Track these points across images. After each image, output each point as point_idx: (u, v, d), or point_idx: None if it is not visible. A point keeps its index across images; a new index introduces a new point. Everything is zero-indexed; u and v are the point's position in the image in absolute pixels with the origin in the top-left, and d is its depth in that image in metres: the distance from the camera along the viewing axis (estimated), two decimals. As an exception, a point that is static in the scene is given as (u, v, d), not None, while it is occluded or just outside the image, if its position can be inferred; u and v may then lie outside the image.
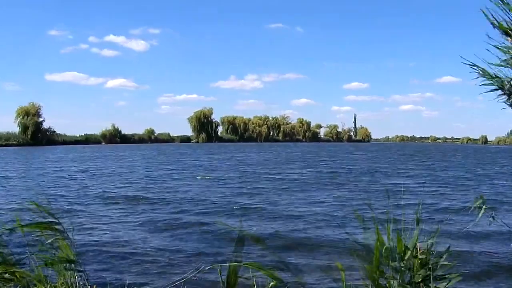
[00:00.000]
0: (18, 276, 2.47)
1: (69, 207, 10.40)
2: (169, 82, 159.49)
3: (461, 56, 2.05)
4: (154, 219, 9.05)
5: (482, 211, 2.01)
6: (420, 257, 1.98)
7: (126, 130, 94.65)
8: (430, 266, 1.98)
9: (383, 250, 1.97)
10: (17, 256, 2.62)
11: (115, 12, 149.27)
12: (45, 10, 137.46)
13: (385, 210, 2.46)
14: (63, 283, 2.59)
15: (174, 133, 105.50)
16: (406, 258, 2.00)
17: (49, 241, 2.56)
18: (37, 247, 2.64)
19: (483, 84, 2.02)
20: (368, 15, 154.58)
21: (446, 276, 2.00)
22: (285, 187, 14.71)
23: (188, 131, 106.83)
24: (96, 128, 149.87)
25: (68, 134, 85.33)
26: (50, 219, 2.61)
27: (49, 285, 2.49)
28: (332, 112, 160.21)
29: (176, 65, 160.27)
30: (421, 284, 1.97)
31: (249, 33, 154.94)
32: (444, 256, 2.02)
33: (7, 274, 2.46)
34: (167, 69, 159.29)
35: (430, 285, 1.96)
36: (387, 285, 2.00)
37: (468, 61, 2.03)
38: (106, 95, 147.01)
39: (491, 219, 2.06)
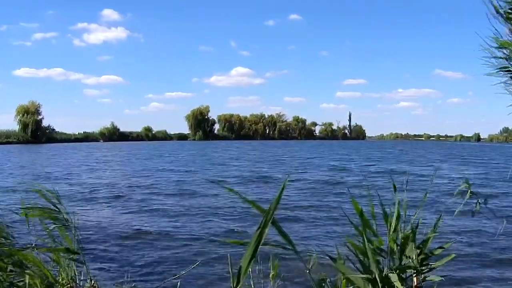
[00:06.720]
0: (24, 262, 2.40)
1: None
2: (156, 78, 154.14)
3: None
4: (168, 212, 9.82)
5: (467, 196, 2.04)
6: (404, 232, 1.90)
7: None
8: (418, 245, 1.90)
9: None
10: (22, 243, 2.63)
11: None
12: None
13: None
14: (64, 277, 2.59)
15: (167, 131, 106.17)
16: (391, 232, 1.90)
17: (52, 227, 2.55)
18: (42, 237, 2.65)
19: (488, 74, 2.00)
20: (366, 14, 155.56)
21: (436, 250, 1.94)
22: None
23: (180, 129, 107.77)
24: (84, 126, 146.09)
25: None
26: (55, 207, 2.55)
27: (50, 277, 2.45)
28: (326, 109, 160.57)
29: (161, 60, 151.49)
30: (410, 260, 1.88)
31: (243, 29, 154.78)
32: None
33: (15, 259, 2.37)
34: (154, 64, 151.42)
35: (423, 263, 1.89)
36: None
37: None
38: (89, 92, 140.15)
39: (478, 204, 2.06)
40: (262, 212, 1.27)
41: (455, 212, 2.25)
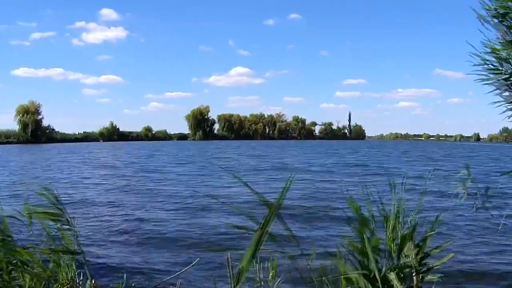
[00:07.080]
0: (24, 261, 2.40)
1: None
2: (156, 78, 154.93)
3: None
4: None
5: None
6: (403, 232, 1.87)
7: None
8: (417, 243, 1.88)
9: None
10: (20, 244, 2.61)
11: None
12: None
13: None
14: (63, 277, 2.58)
15: (167, 131, 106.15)
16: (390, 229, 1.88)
17: (54, 228, 2.54)
18: (42, 237, 2.63)
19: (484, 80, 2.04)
20: (366, 14, 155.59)
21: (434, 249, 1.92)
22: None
23: (180, 128, 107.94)
24: (84, 126, 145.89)
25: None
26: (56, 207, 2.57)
27: (52, 278, 2.47)
28: (326, 109, 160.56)
29: (161, 60, 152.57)
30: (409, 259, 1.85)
31: (243, 28, 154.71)
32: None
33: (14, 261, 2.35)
34: (154, 64, 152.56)
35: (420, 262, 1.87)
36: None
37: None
38: (88, 92, 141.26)
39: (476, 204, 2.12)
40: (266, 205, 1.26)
41: (462, 197, 2.19)
